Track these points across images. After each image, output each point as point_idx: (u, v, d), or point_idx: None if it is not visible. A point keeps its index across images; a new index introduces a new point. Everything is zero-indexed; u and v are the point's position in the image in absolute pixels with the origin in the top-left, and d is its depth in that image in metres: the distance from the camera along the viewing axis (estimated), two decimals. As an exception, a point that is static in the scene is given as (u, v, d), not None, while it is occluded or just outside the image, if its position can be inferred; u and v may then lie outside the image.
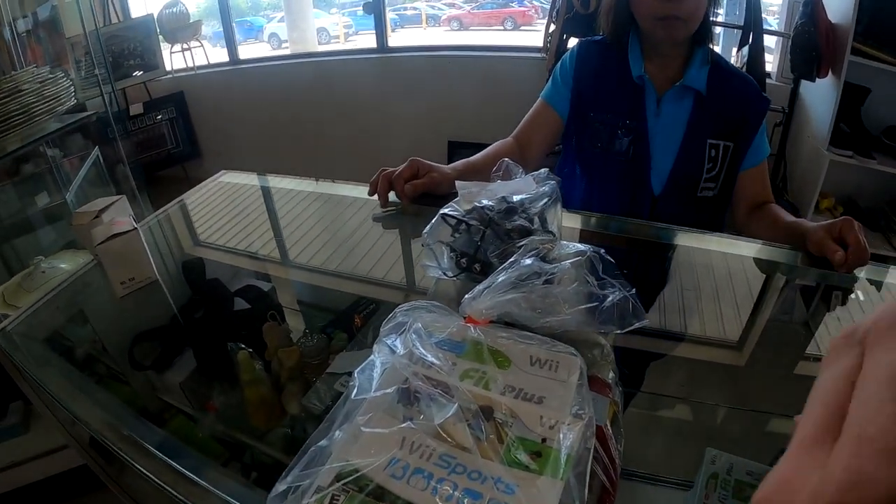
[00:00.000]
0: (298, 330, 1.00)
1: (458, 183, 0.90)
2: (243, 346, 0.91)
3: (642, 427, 0.91)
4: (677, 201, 1.36)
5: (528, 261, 0.60)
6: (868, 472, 0.19)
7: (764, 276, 1.23)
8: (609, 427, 0.63)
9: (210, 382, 1.00)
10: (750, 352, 1.05)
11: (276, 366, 0.92)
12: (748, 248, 1.23)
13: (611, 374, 0.72)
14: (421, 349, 0.52)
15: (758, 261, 1.22)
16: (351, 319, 0.99)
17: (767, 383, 1.01)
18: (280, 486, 0.47)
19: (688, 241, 1.25)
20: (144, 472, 0.72)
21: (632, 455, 0.78)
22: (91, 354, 1.06)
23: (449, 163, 1.32)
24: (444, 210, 0.81)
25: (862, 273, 1.09)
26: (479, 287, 0.59)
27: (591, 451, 0.49)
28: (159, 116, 4.00)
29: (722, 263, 1.21)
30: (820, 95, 2.87)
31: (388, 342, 0.55)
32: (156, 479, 0.71)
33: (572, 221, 1.29)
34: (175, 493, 0.69)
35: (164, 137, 4.03)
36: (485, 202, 0.79)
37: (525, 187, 0.82)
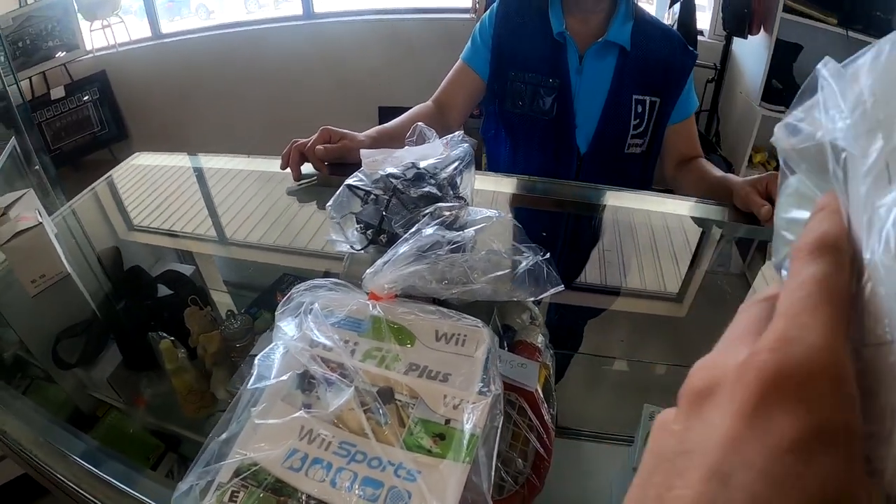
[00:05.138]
0: (226, 311, 0.98)
1: (362, 151, 0.87)
2: (164, 334, 0.89)
3: (583, 387, 0.92)
4: (604, 159, 1.36)
5: (430, 230, 0.59)
6: (792, 335, 0.22)
7: (699, 230, 1.24)
8: (540, 392, 0.62)
9: (138, 375, 0.97)
10: (689, 304, 1.07)
11: (200, 352, 0.90)
12: (676, 205, 1.24)
13: (540, 338, 0.72)
14: (316, 332, 0.51)
15: (687, 217, 1.23)
16: (274, 297, 0.97)
17: (707, 334, 1.03)
18: (183, 486, 0.45)
19: (616, 199, 1.25)
20: (65, 480, 0.70)
21: (574, 415, 0.79)
22: (16, 358, 1.02)
23: None
24: (349, 181, 0.78)
25: None
26: (380, 261, 0.57)
27: (499, 428, 0.48)
28: (85, 98, 3.82)
29: (651, 221, 1.22)
30: (752, 52, 2.91)
31: (284, 326, 0.53)
32: (76, 487, 0.69)
33: (497, 185, 1.28)
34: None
35: (88, 120, 3.84)
36: (391, 170, 0.77)
37: (433, 152, 0.80)
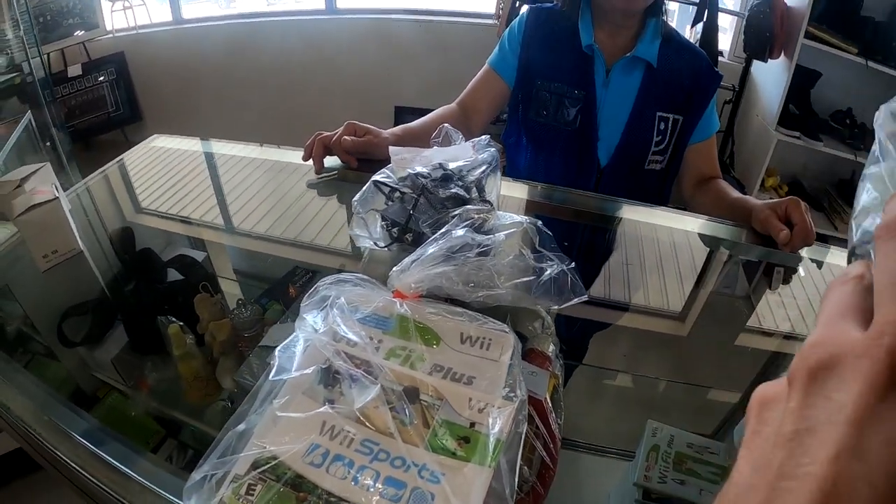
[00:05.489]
0: (234, 300, 0.97)
1: (391, 148, 0.87)
2: (174, 319, 0.88)
3: (585, 398, 0.91)
4: (624, 173, 1.36)
5: (460, 232, 0.58)
6: None
7: (708, 249, 1.24)
8: (549, 401, 0.62)
9: (143, 358, 0.96)
10: (692, 323, 1.06)
11: (208, 339, 0.89)
12: (693, 223, 1.24)
13: (551, 347, 0.71)
14: (343, 326, 0.50)
15: (702, 235, 1.23)
16: (286, 289, 0.96)
17: (709, 354, 1.03)
18: (196, 475, 0.44)
19: (633, 213, 1.25)
20: (62, 457, 0.69)
21: (575, 426, 0.78)
22: (20, 332, 1.01)
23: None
24: (377, 177, 0.78)
25: (805, 252, 1.10)
26: (408, 259, 0.56)
27: (523, 434, 0.47)
28: (101, 77, 3.82)
29: (666, 237, 1.21)
30: (771, 76, 2.92)
31: (309, 318, 0.52)
32: (77, 467, 0.68)
33: (516, 191, 1.27)
34: (97, 482, 0.66)
35: (103, 100, 3.84)
36: (419, 169, 0.76)
37: (462, 154, 0.80)
